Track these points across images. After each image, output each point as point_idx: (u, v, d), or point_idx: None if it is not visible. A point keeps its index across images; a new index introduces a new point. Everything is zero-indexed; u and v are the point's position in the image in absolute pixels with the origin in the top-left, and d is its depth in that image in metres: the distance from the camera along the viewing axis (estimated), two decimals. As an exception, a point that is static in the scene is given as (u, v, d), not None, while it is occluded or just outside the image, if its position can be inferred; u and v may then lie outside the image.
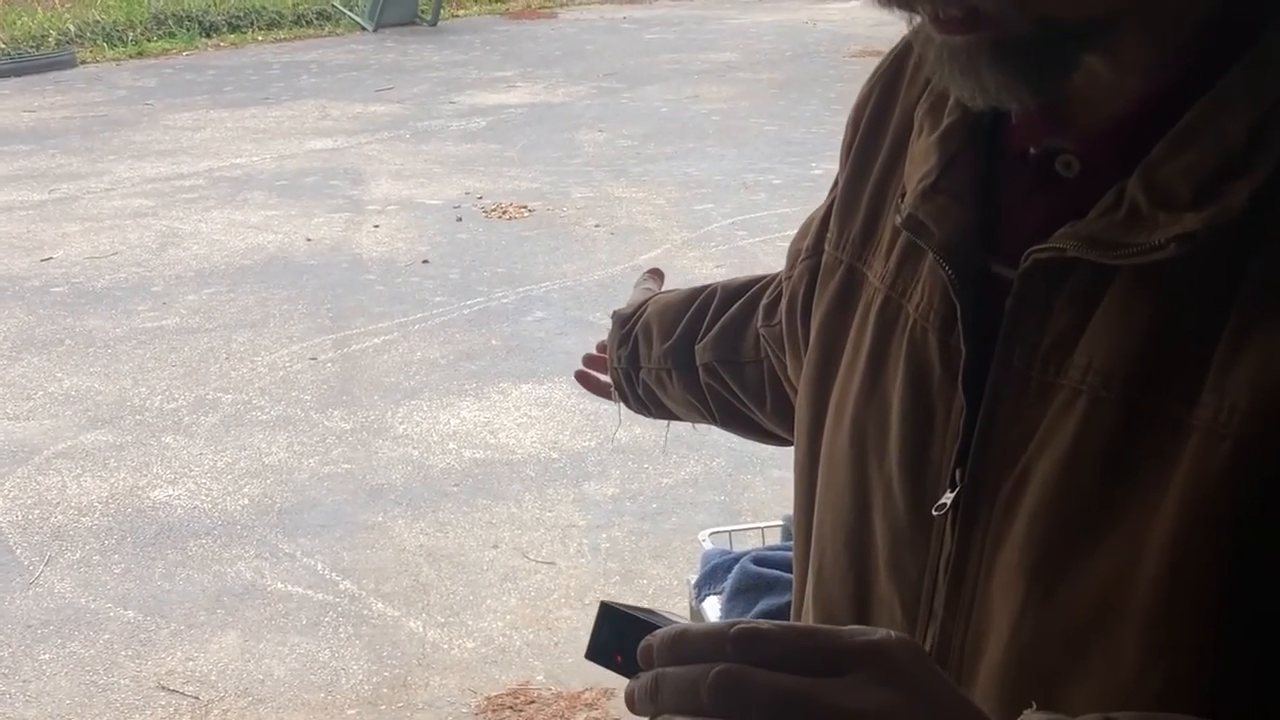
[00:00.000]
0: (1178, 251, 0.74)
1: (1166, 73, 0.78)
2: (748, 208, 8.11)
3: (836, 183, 1.08)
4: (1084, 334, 0.79)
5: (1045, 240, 0.80)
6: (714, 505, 4.62)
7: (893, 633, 0.67)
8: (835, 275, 1.01)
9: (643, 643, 0.68)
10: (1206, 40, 0.77)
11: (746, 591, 2.06)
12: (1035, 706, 0.71)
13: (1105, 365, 0.78)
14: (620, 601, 0.75)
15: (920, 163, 0.90)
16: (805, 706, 0.63)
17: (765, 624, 0.66)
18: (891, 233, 0.95)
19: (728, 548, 2.33)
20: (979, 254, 0.85)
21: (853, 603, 0.95)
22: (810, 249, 1.09)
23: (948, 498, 0.85)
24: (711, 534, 2.41)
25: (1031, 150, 0.84)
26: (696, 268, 7.07)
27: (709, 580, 2.19)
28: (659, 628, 0.69)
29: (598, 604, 0.74)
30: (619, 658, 0.72)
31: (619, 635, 0.72)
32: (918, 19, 0.79)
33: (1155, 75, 0.78)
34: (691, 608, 2.25)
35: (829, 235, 1.04)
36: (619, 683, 3.68)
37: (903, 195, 0.91)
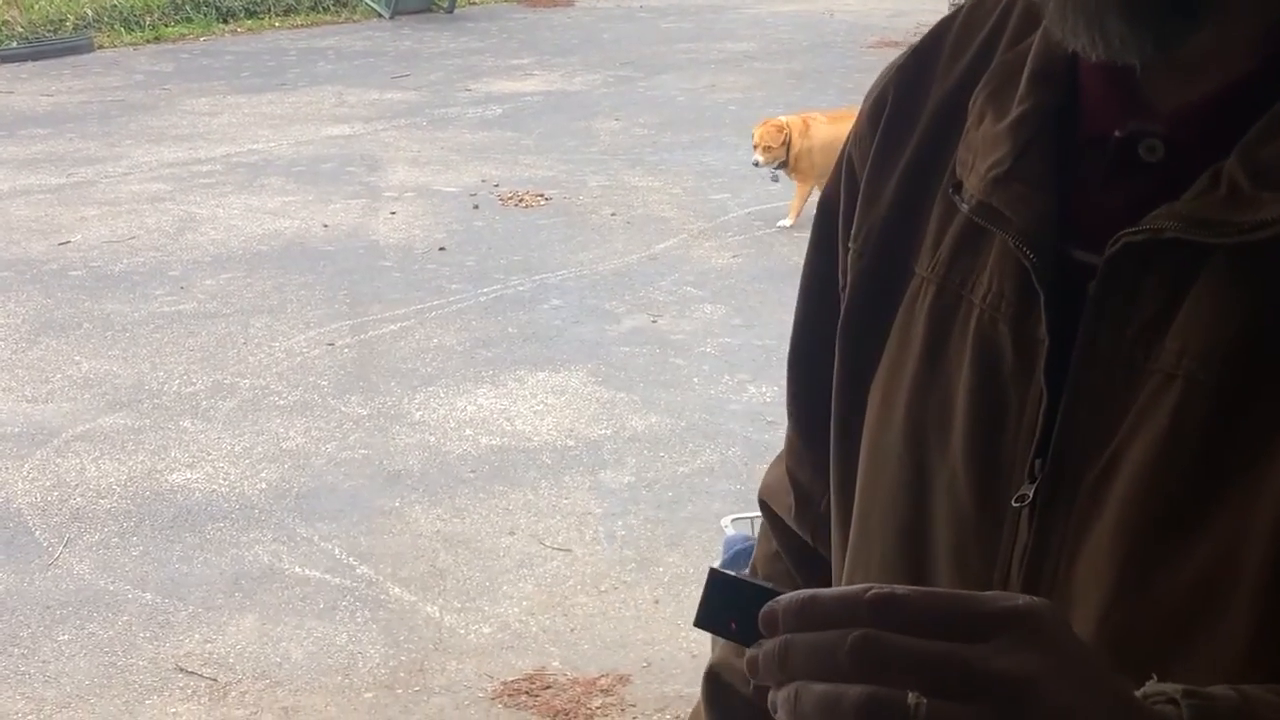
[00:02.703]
0: None
1: (1258, 54, 0.78)
2: (764, 198, 8.09)
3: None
4: (1176, 317, 0.78)
5: (1133, 224, 0.79)
6: (730, 494, 4.62)
7: (1034, 597, 0.66)
8: (857, 269, 0.99)
9: (766, 608, 0.66)
10: None
11: (769, 578, 2.06)
12: (1156, 678, 0.69)
13: (1202, 348, 0.77)
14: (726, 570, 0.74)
15: (988, 151, 0.88)
16: (953, 671, 0.62)
17: (902, 589, 0.64)
18: (938, 222, 0.93)
19: (750, 534, 2.34)
20: (1059, 240, 0.84)
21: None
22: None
23: (1028, 489, 0.83)
24: (734, 520, 2.41)
25: (1116, 134, 0.83)
26: (713, 257, 7.08)
27: (732, 565, 2.19)
28: (776, 594, 0.67)
29: (707, 571, 0.73)
30: (733, 624, 0.70)
31: (733, 602, 0.70)
32: None
33: (1249, 56, 0.78)
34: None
35: (849, 229, 1.01)
36: (634, 669, 3.71)
37: (956, 185, 0.89)
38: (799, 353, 1.11)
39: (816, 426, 1.04)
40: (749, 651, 0.68)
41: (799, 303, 1.10)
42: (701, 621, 0.72)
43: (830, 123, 7.48)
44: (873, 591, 0.64)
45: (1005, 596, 0.66)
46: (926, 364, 0.92)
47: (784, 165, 7.42)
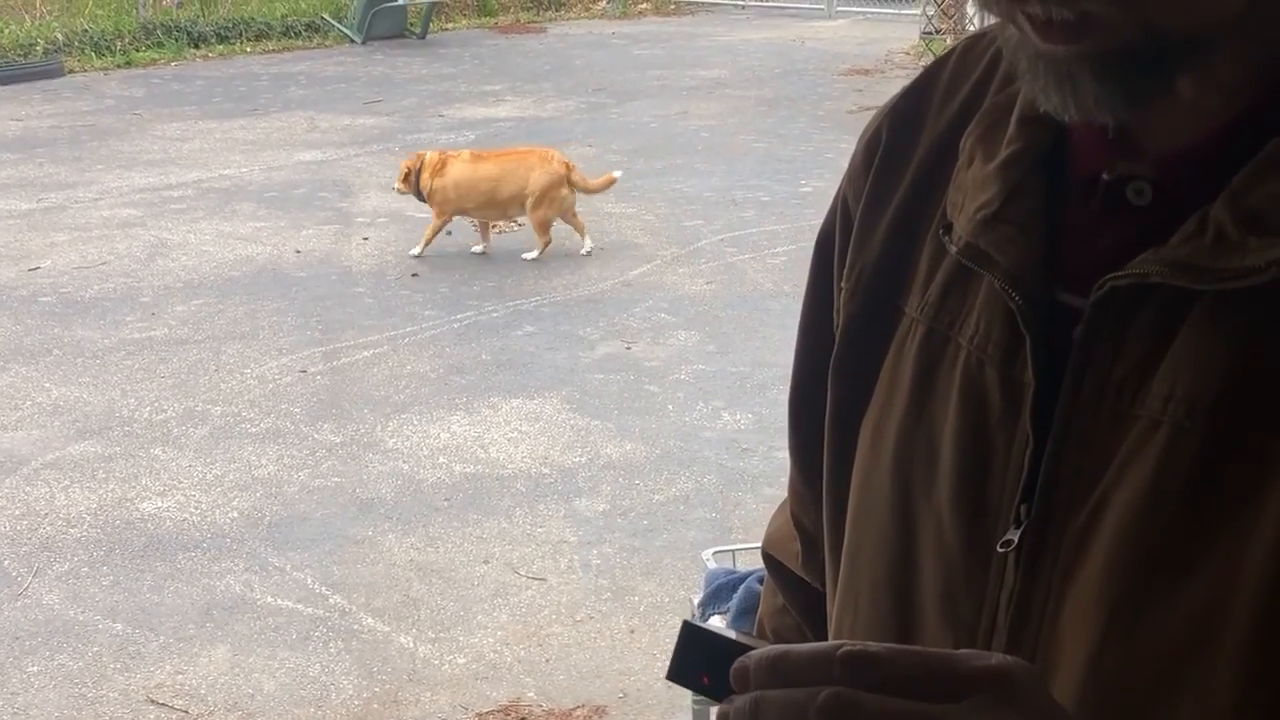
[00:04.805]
0: (1279, 275, 0.73)
1: (1246, 97, 0.77)
2: (737, 224, 8.12)
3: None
4: (1162, 363, 0.77)
5: (1120, 267, 0.78)
6: (705, 522, 4.61)
7: (1008, 656, 0.65)
8: (849, 308, 0.98)
9: (737, 663, 0.65)
10: None
11: (752, 611, 2.05)
12: None
13: (1188, 394, 0.76)
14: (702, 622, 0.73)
15: (977, 192, 0.87)
16: None
17: (875, 646, 0.64)
18: (929, 263, 0.93)
19: (731, 567, 2.33)
20: (1045, 283, 0.83)
21: (897, 644, 0.92)
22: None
23: (1014, 534, 0.83)
24: (715, 553, 2.40)
25: (1104, 176, 0.82)
26: (686, 284, 7.08)
27: (714, 600, 2.18)
28: (750, 649, 0.66)
29: (680, 624, 0.72)
30: (705, 678, 0.69)
31: (706, 656, 0.69)
32: (1013, 29, 0.77)
33: (1237, 99, 0.77)
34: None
35: (843, 268, 1.00)
36: (611, 700, 3.69)
37: (947, 227, 0.89)
38: (799, 392, 1.10)
39: (819, 469, 1.04)
40: (720, 707, 0.67)
41: (798, 341, 1.09)
42: (674, 675, 0.72)
43: (471, 161, 7.72)
44: (845, 649, 0.63)
45: (979, 656, 0.65)
46: (914, 405, 0.91)
47: (423, 197, 7.73)
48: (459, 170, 7.60)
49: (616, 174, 7.98)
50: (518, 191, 7.53)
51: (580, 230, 7.69)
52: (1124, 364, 0.79)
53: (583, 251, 7.64)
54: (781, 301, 6.54)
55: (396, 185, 7.78)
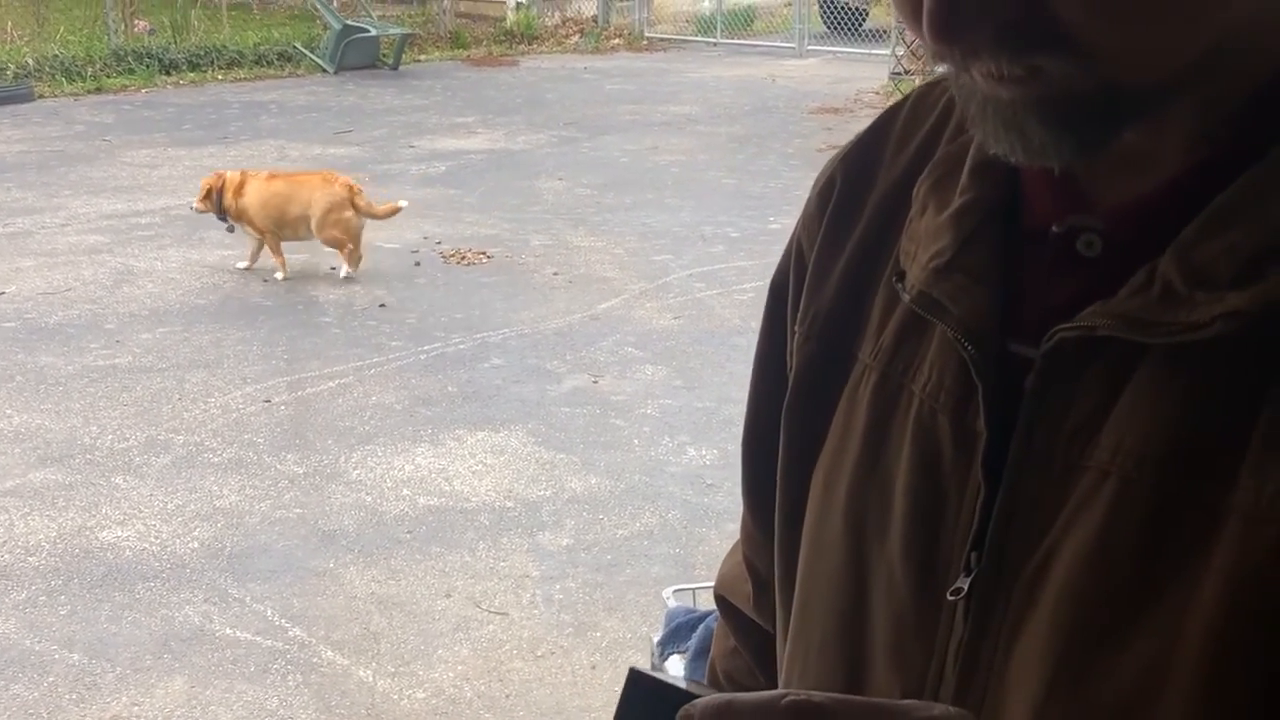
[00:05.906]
0: (1223, 330, 0.72)
1: (1200, 150, 0.77)
2: (705, 260, 8.14)
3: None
4: (1111, 415, 0.77)
5: (1070, 319, 0.78)
6: (669, 558, 4.60)
7: (951, 708, 0.65)
8: (803, 353, 0.99)
9: (681, 712, 0.65)
10: (1244, 120, 0.76)
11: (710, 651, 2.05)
12: None
13: (1136, 447, 0.76)
14: (648, 670, 0.72)
15: (930, 241, 0.87)
16: None
17: (819, 696, 0.64)
18: (882, 310, 0.93)
19: (691, 605, 2.33)
20: (998, 333, 0.83)
21: (845, 692, 0.90)
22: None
23: (964, 582, 0.83)
24: (675, 591, 2.40)
25: (1054, 229, 0.82)
26: (654, 319, 7.09)
27: (673, 638, 2.18)
28: (697, 697, 0.66)
29: (627, 670, 0.72)
30: None
31: (653, 704, 0.69)
32: (965, 76, 0.76)
33: (1191, 152, 0.77)
34: (654, 665, 2.24)
35: (797, 312, 1.01)
36: (570, 737, 3.66)
37: (900, 275, 0.89)
38: (752, 437, 1.10)
39: (771, 512, 1.03)
40: None
41: (751, 386, 1.09)
42: None
43: (268, 181, 7.89)
44: (789, 698, 0.63)
45: (924, 707, 0.65)
46: (867, 452, 0.91)
47: (226, 216, 7.87)
48: (254, 189, 7.78)
49: (402, 203, 8.15)
50: (302, 213, 7.71)
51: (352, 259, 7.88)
52: (1075, 415, 0.79)
53: (341, 275, 7.78)
54: (748, 337, 6.53)
55: (195, 204, 7.90)
